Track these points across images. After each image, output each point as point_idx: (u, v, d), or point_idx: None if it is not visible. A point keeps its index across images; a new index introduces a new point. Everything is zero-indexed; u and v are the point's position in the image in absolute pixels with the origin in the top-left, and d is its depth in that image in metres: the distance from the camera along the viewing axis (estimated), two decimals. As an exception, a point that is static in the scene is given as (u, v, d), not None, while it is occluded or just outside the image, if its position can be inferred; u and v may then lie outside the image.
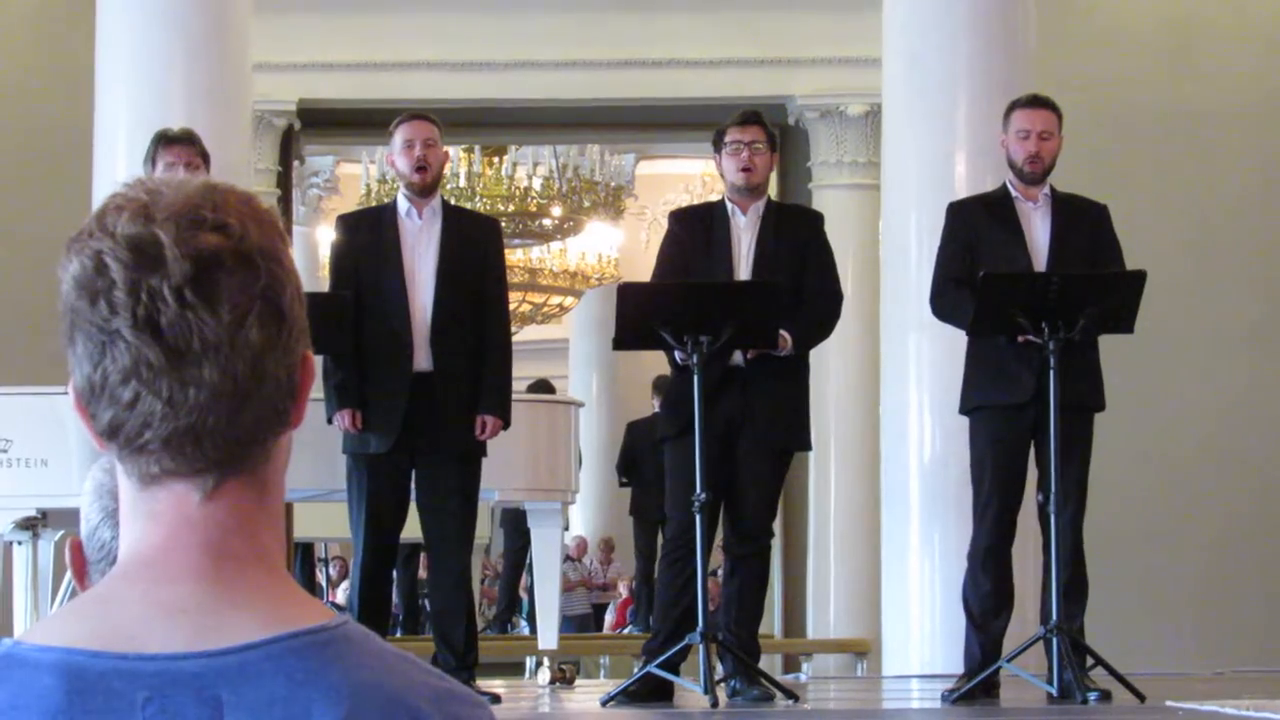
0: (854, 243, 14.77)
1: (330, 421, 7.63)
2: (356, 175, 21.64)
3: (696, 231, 7.73)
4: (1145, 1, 14.04)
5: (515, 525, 15.67)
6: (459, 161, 20.99)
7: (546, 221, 22.00)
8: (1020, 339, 7.36)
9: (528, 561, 17.47)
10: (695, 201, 16.74)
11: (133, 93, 10.34)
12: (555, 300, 24.95)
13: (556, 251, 24.27)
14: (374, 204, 17.60)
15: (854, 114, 14.95)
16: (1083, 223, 7.69)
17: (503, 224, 21.06)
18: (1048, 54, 11.46)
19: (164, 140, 7.67)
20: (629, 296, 7.43)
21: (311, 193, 21.02)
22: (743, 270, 7.63)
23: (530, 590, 17.08)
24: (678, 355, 7.43)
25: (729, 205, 7.73)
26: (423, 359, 7.68)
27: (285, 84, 14.30)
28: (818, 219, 7.96)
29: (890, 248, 10.82)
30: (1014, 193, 7.71)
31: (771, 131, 7.86)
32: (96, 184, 10.39)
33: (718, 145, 7.75)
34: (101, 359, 1.52)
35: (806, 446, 7.91)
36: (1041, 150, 7.65)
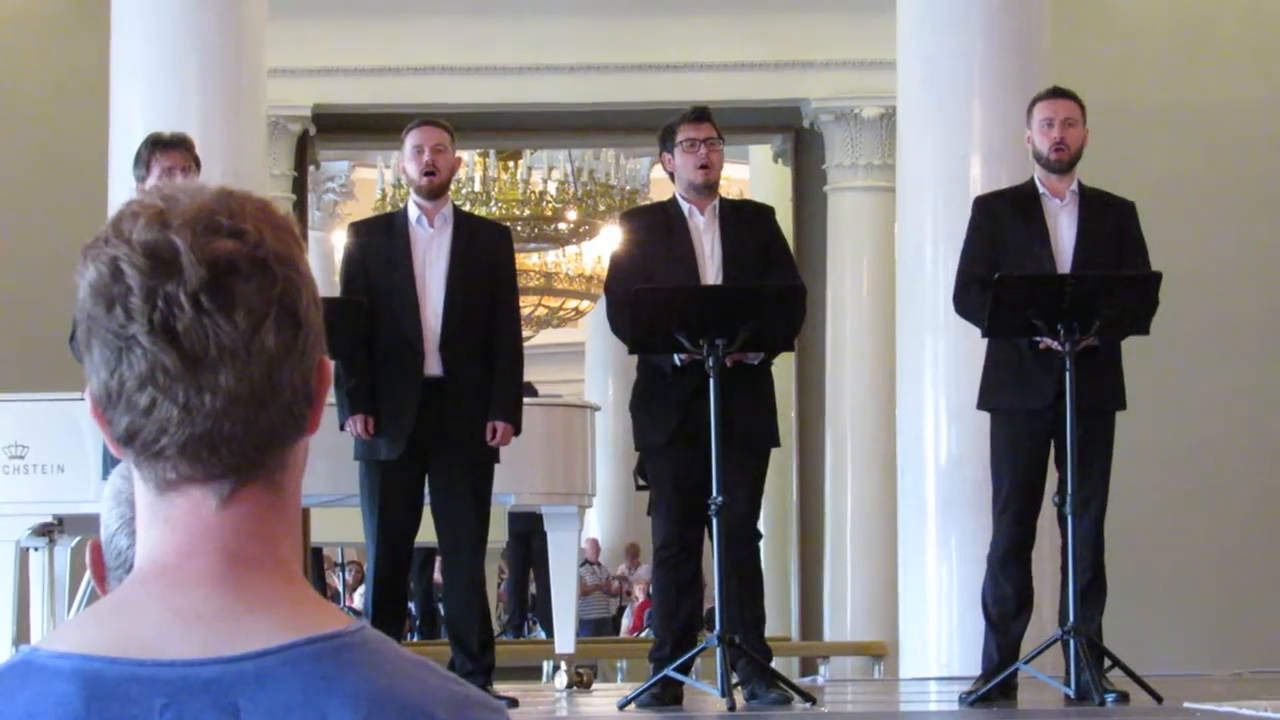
0: (869, 245, 14.78)
1: (343, 428, 7.65)
2: (372, 180, 21.68)
3: (654, 233, 7.60)
4: (1159, 0, 14.02)
5: (512, 529, 15.62)
6: (474, 166, 21.02)
7: (562, 225, 22.02)
8: (1041, 346, 7.31)
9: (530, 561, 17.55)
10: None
11: (148, 99, 10.35)
12: (571, 304, 24.98)
13: (572, 255, 24.30)
14: (389, 209, 17.61)
15: (869, 116, 14.94)
16: (1109, 221, 7.59)
17: (518, 228, 21.13)
18: (1062, 55, 11.44)
19: (158, 145, 7.48)
20: (646, 300, 7.31)
21: (327, 198, 21.06)
22: (710, 272, 7.52)
23: (541, 591, 17.09)
24: (677, 358, 7.37)
25: (684, 205, 7.59)
26: (433, 364, 7.69)
27: (300, 89, 14.31)
28: (770, 213, 7.88)
29: (905, 250, 10.81)
30: (1041, 189, 7.60)
31: (719, 127, 7.68)
32: (112, 191, 10.40)
33: (668, 144, 7.59)
34: (118, 365, 1.52)
35: (778, 443, 7.80)
36: (1067, 137, 7.52)
